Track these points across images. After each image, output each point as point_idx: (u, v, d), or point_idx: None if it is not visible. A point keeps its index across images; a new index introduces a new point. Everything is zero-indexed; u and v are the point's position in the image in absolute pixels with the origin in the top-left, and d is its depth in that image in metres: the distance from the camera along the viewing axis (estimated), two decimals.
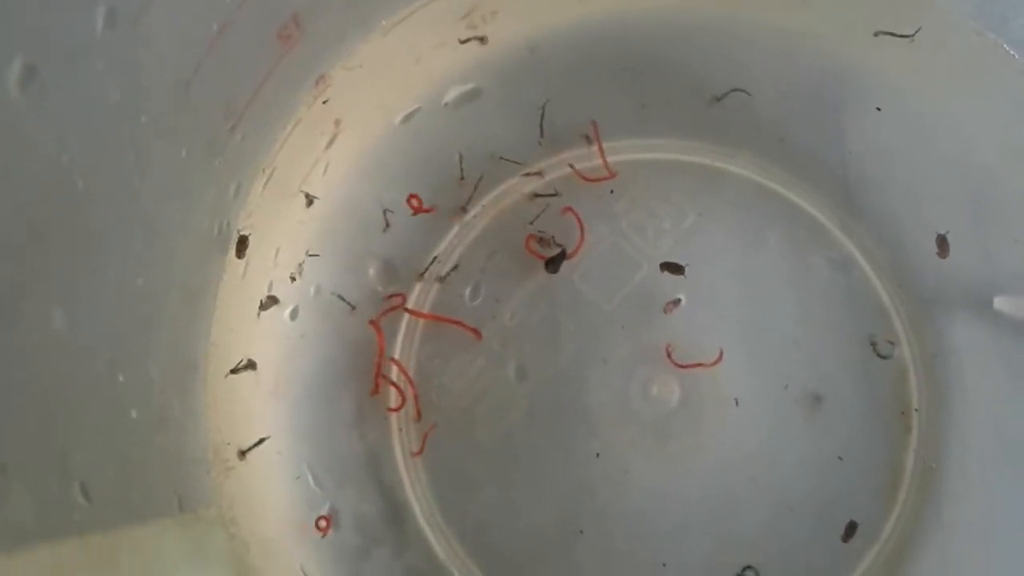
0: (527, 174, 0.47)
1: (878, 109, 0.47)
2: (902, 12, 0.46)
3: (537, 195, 0.47)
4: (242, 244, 0.41)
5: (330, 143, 0.45)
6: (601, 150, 0.47)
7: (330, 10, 0.40)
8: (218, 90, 0.35)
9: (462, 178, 0.47)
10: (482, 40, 0.46)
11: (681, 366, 0.45)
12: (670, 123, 0.48)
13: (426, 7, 0.45)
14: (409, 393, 0.45)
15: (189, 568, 0.33)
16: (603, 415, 0.46)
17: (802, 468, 0.45)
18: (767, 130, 0.47)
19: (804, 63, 0.47)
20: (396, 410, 0.45)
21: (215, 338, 0.40)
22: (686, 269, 0.46)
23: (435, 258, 0.47)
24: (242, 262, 0.41)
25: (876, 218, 0.47)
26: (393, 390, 0.45)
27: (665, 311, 0.46)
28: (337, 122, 0.45)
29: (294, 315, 0.45)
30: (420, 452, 0.45)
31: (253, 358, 0.43)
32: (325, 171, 0.45)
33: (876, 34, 0.46)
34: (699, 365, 0.45)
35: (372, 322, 0.45)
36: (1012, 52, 0.44)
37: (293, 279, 0.44)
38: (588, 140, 0.47)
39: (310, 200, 0.45)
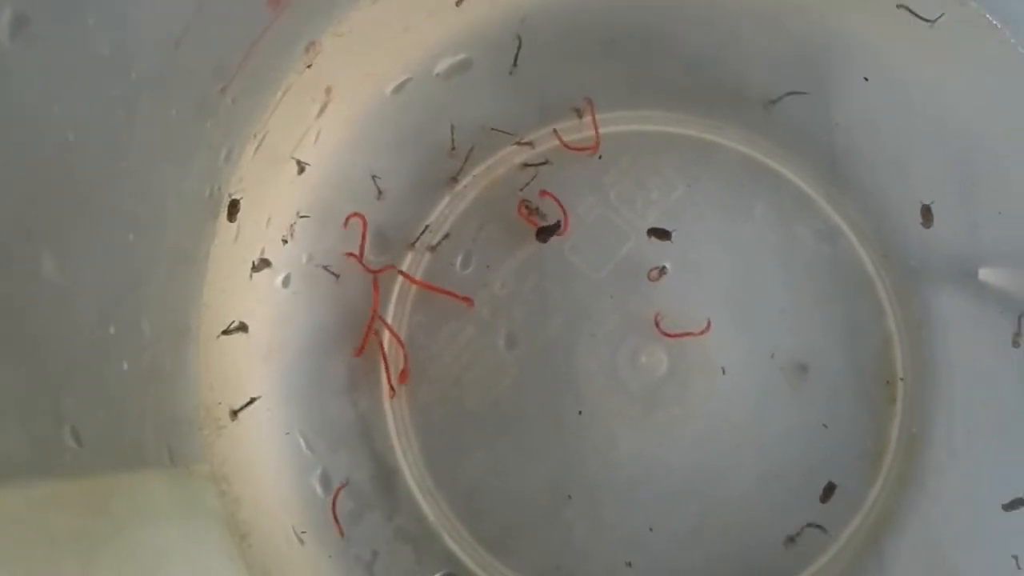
0: (518, 143, 0.48)
1: (865, 79, 0.47)
2: None
3: (527, 165, 0.48)
4: (233, 208, 0.41)
5: (321, 111, 0.45)
6: (595, 122, 0.47)
7: None
8: (207, 51, 0.36)
9: (453, 148, 0.47)
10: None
11: (669, 335, 0.46)
12: (659, 95, 0.48)
13: None
14: (399, 355, 0.46)
15: (179, 520, 0.34)
16: (592, 383, 0.46)
17: (788, 436, 0.46)
18: (755, 101, 0.48)
19: (791, 35, 0.47)
20: (399, 380, 0.46)
21: (207, 299, 0.40)
22: (673, 237, 0.47)
23: (426, 227, 0.47)
24: (234, 226, 0.42)
25: (862, 189, 0.47)
26: (381, 356, 0.45)
27: (650, 278, 0.47)
28: (328, 90, 0.45)
29: (286, 282, 0.45)
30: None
31: (245, 321, 0.43)
32: (316, 139, 0.46)
33: (898, 7, 0.46)
34: (687, 334, 0.46)
35: (373, 272, 0.45)
36: (995, 22, 0.44)
37: (285, 241, 0.45)
38: (579, 113, 0.48)
39: (301, 167, 0.45)
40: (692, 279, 0.47)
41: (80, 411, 0.28)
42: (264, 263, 0.44)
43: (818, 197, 0.48)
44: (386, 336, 0.46)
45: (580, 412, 0.46)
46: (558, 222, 0.46)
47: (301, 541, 0.43)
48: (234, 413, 0.41)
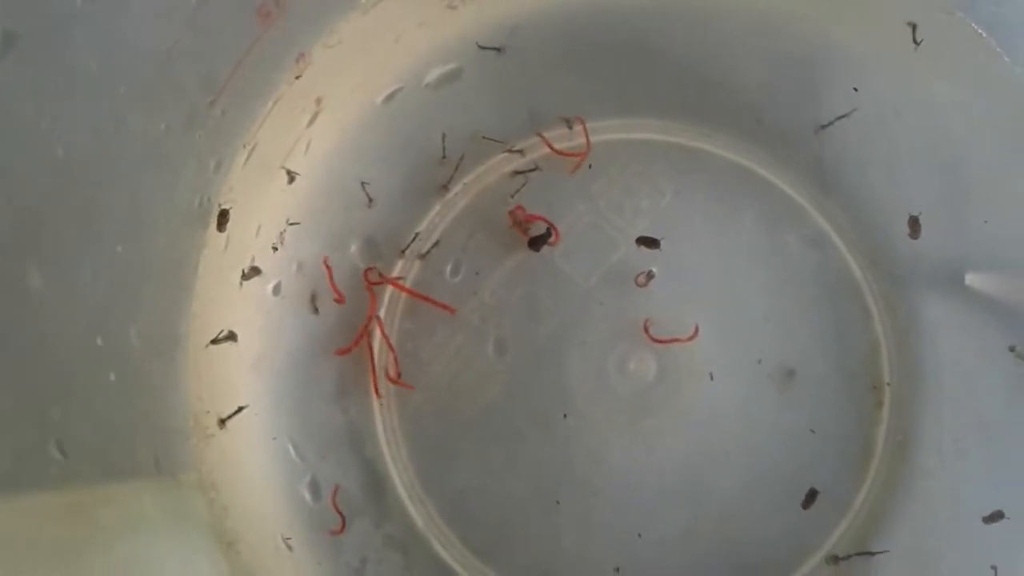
0: (509, 151, 0.48)
1: (855, 89, 0.47)
2: None
3: (518, 172, 0.48)
4: (223, 218, 0.42)
5: (312, 121, 0.46)
6: (586, 132, 0.47)
7: None
8: (197, 64, 0.36)
9: (444, 157, 0.48)
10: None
11: (658, 341, 0.46)
12: (648, 103, 0.49)
13: None
14: (389, 357, 0.46)
15: (167, 530, 0.34)
16: (581, 390, 0.46)
17: (775, 441, 0.46)
18: (744, 110, 0.48)
19: (781, 43, 0.48)
20: (393, 381, 0.46)
21: (196, 309, 0.41)
22: (662, 245, 0.47)
23: (416, 236, 0.48)
24: (223, 235, 0.42)
25: (850, 196, 0.48)
26: (369, 359, 0.46)
27: (637, 283, 0.47)
28: (319, 100, 0.45)
29: (277, 290, 0.46)
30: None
31: (234, 330, 0.43)
32: (307, 149, 0.46)
33: (908, 24, 0.47)
34: (675, 340, 0.46)
35: (369, 275, 0.46)
36: (981, 31, 0.45)
37: (275, 249, 0.45)
38: (568, 124, 0.48)
39: (292, 177, 0.46)
40: (681, 286, 0.47)
41: (66, 423, 0.28)
42: (254, 271, 0.45)
43: (806, 204, 0.48)
44: (376, 341, 0.46)
45: (569, 418, 0.46)
46: (549, 231, 0.47)
47: (290, 548, 0.43)
48: (222, 422, 0.42)
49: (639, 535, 0.45)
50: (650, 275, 0.47)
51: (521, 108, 0.48)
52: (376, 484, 0.46)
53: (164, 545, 0.34)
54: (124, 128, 0.32)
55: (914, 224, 0.47)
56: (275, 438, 0.44)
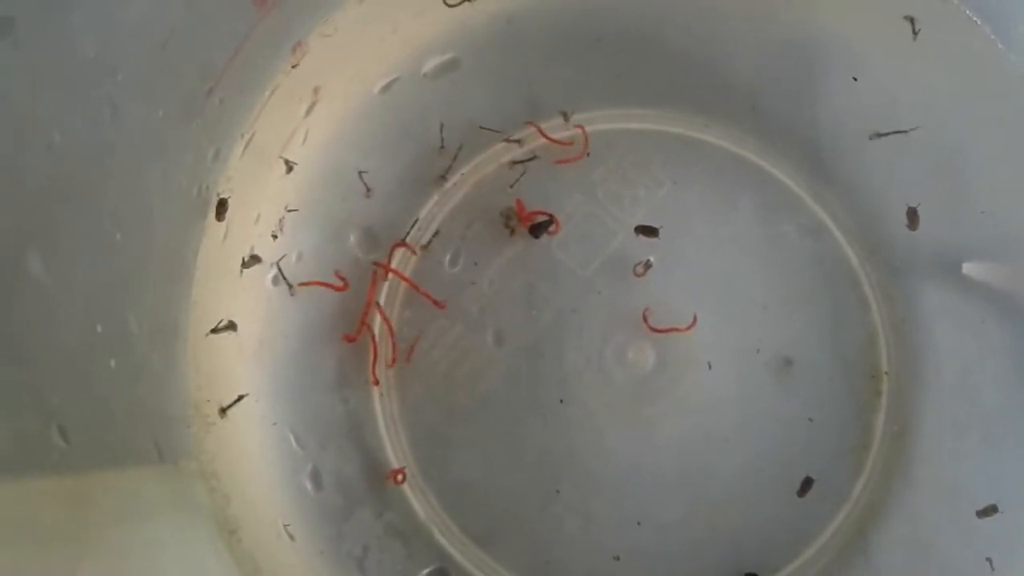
0: (507, 140, 0.48)
1: (854, 79, 0.47)
2: None
3: (516, 162, 0.48)
4: (222, 207, 0.42)
5: (309, 111, 0.46)
6: (585, 135, 0.47)
7: None
8: (195, 52, 0.36)
9: (442, 147, 0.48)
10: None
11: (656, 331, 0.46)
12: (646, 93, 0.49)
13: None
14: (389, 343, 0.46)
15: (169, 516, 0.34)
16: (579, 379, 0.46)
17: (773, 430, 0.46)
18: (740, 99, 0.48)
19: (778, 33, 0.48)
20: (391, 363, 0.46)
21: (196, 297, 0.41)
22: (660, 234, 0.47)
23: (415, 225, 0.48)
24: (222, 224, 0.42)
25: (847, 186, 0.48)
26: (371, 348, 0.45)
27: (635, 273, 0.47)
28: (316, 90, 0.45)
29: (277, 280, 0.46)
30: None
31: (234, 319, 0.43)
32: (305, 139, 0.46)
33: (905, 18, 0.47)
34: (673, 330, 0.46)
35: (376, 264, 0.45)
36: (975, 19, 0.45)
37: (275, 236, 0.45)
38: (565, 116, 0.48)
39: (290, 167, 0.46)
40: (679, 275, 0.47)
41: (67, 409, 0.28)
42: (254, 259, 0.45)
43: (803, 194, 0.48)
44: (376, 327, 0.46)
45: (568, 407, 0.46)
46: (550, 218, 0.47)
47: (291, 537, 0.43)
48: (223, 410, 0.42)
49: (638, 523, 0.46)
50: (648, 265, 0.47)
51: (519, 98, 0.48)
52: (376, 473, 0.46)
53: (165, 532, 0.34)
54: (121, 115, 0.32)
55: (912, 215, 0.47)
56: (276, 426, 0.44)
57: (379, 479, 0.45)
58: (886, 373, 0.47)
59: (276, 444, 0.44)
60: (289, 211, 0.45)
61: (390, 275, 0.47)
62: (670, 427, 0.46)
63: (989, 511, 0.44)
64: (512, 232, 0.47)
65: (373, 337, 0.45)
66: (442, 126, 0.48)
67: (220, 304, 0.42)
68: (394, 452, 0.46)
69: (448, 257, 0.47)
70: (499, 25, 0.48)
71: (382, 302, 0.47)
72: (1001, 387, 0.46)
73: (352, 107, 0.47)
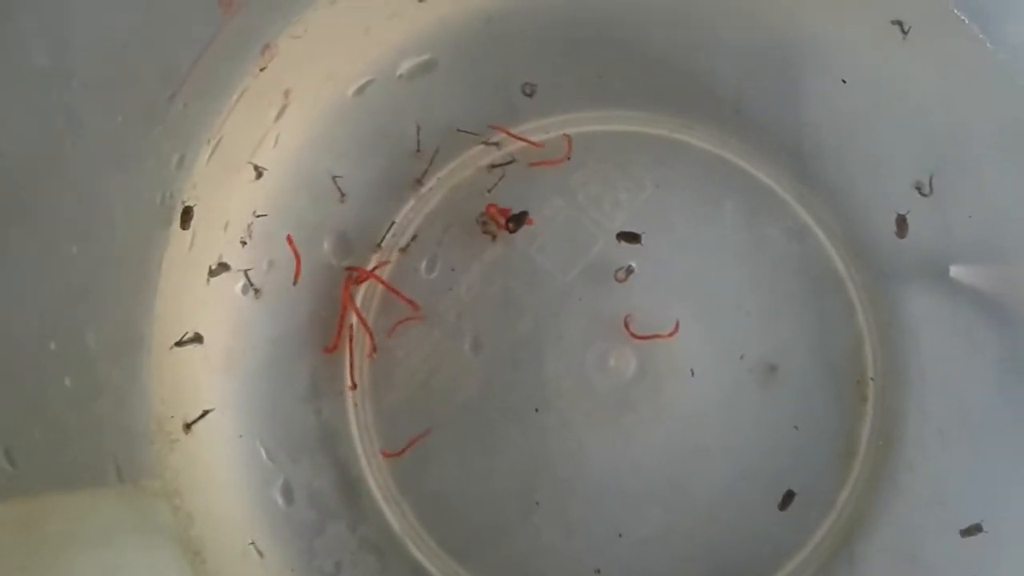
0: (485, 143, 0.47)
1: (844, 81, 0.47)
2: None
3: (494, 166, 0.47)
4: (187, 215, 0.40)
5: (280, 114, 0.45)
6: (570, 142, 0.46)
7: None
8: (155, 56, 0.35)
9: (418, 150, 0.47)
10: None
11: (638, 337, 0.45)
12: (627, 94, 0.48)
13: None
14: (367, 344, 0.45)
15: (128, 539, 0.33)
16: (560, 387, 0.46)
17: (757, 438, 0.45)
18: (722, 101, 0.47)
19: (761, 34, 0.47)
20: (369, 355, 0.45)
21: (160, 310, 0.40)
22: (643, 239, 0.46)
23: (390, 230, 0.47)
24: (188, 233, 0.41)
25: (832, 188, 0.47)
26: (347, 352, 0.44)
27: (616, 278, 0.46)
28: (287, 93, 0.44)
29: (246, 289, 0.45)
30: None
31: (201, 330, 0.42)
32: (276, 143, 0.45)
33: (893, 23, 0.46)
34: (655, 336, 0.45)
35: (349, 268, 0.44)
36: (963, 17, 0.44)
37: (244, 243, 0.44)
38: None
39: (259, 172, 0.44)
40: (661, 280, 0.46)
41: (15, 431, 0.27)
42: (222, 267, 0.44)
43: (788, 196, 0.47)
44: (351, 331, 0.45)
45: (548, 416, 0.45)
46: (525, 211, 0.46)
47: (261, 555, 0.42)
48: (188, 426, 0.41)
49: (619, 535, 0.45)
50: (629, 270, 0.46)
51: (497, 100, 0.47)
52: (351, 486, 0.45)
53: (126, 556, 0.33)
54: (77, 123, 0.31)
55: (901, 223, 0.46)
56: (243, 438, 0.43)
57: (354, 492, 0.45)
58: (872, 378, 0.46)
59: (245, 458, 0.43)
60: (258, 216, 0.44)
61: (364, 283, 0.46)
62: (652, 436, 0.46)
63: (973, 530, 0.44)
64: (493, 237, 0.46)
65: (351, 338, 0.44)
66: (419, 129, 0.47)
67: (186, 315, 0.41)
68: (368, 464, 0.45)
69: (424, 263, 0.47)
70: (477, 25, 0.47)
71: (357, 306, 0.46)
72: (988, 391, 0.46)
73: (325, 110, 0.46)
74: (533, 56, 0.47)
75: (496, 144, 0.47)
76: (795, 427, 0.45)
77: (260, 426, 0.44)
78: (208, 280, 0.42)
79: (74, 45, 0.31)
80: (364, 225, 0.46)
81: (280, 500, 0.44)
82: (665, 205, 0.47)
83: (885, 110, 0.47)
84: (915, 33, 0.46)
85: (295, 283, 0.44)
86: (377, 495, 0.45)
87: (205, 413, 0.41)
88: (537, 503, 0.45)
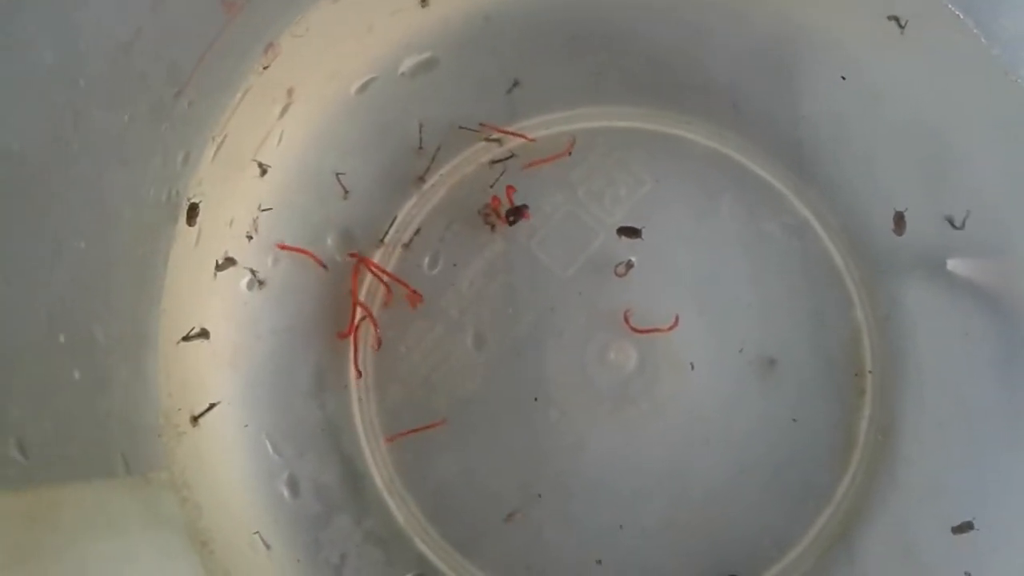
0: (486, 140, 0.47)
1: (843, 78, 0.47)
2: None
3: (495, 161, 0.47)
4: (192, 212, 0.41)
5: (284, 112, 0.45)
6: (570, 148, 0.47)
7: None
8: (161, 55, 0.35)
9: (420, 147, 0.47)
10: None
11: (638, 331, 0.46)
12: (625, 91, 0.48)
13: None
14: (372, 333, 0.45)
15: (138, 530, 0.34)
16: (561, 381, 0.46)
17: (757, 431, 0.46)
18: (720, 96, 0.47)
19: (758, 29, 0.47)
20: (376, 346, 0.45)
21: (166, 305, 0.40)
22: (643, 234, 0.47)
23: (393, 226, 0.47)
24: (194, 230, 0.41)
25: (829, 183, 0.47)
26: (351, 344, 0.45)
27: (616, 273, 0.46)
28: (290, 91, 0.45)
29: (251, 284, 0.45)
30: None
31: (207, 324, 0.43)
32: (280, 141, 0.45)
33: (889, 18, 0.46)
34: (655, 330, 0.46)
35: (354, 255, 0.45)
36: (957, 12, 0.44)
37: (250, 238, 0.44)
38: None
39: (264, 169, 0.45)
40: (660, 275, 0.47)
41: (26, 422, 0.28)
42: (229, 262, 0.44)
43: (786, 191, 0.48)
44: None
45: (549, 410, 0.46)
46: (524, 204, 0.46)
47: (267, 546, 0.42)
48: (195, 418, 0.41)
49: (620, 527, 0.45)
50: (629, 265, 0.46)
51: (498, 97, 0.47)
52: (355, 480, 0.45)
53: (134, 547, 0.33)
54: (84, 121, 0.32)
55: (899, 220, 0.46)
56: (250, 431, 0.44)
57: (359, 485, 0.45)
58: (870, 371, 0.46)
59: (251, 451, 0.44)
60: (263, 210, 0.44)
61: (368, 278, 0.46)
62: (652, 428, 0.46)
63: (964, 528, 0.44)
64: (493, 228, 0.47)
65: (356, 329, 0.45)
66: (420, 126, 0.47)
67: (192, 310, 0.42)
68: (373, 457, 0.46)
69: (427, 259, 0.47)
70: (477, 23, 0.47)
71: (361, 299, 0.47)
72: (985, 385, 0.46)
73: (328, 108, 0.46)
74: (533, 54, 0.48)
75: (497, 141, 0.48)
76: (794, 420, 0.46)
77: (266, 420, 0.44)
78: (215, 275, 0.43)
79: (80, 44, 0.31)
80: (367, 221, 0.47)
81: (286, 492, 0.44)
82: (664, 200, 0.47)
83: (881, 105, 0.47)
84: (910, 28, 0.46)
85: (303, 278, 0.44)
86: (381, 488, 0.46)
87: (212, 406, 0.41)
88: (539, 496, 0.45)
